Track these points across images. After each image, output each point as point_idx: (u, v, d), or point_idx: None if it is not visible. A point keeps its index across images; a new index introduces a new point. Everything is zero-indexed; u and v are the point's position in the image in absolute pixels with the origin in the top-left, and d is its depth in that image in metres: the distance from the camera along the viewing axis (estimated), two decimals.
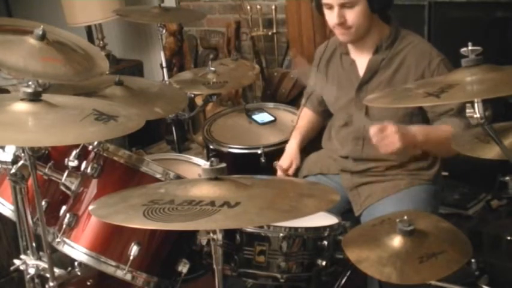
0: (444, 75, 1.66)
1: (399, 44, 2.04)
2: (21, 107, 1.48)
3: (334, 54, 2.19)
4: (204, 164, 1.43)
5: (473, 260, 1.72)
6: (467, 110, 1.42)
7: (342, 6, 1.95)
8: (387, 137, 1.82)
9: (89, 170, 1.76)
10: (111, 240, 1.72)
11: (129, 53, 4.53)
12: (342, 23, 1.97)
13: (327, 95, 2.25)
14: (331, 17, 1.99)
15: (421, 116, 2.03)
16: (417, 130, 1.89)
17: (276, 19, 3.75)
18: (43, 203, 1.83)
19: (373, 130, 1.84)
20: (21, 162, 1.61)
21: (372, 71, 2.06)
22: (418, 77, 1.97)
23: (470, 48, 1.45)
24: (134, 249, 1.69)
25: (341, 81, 2.17)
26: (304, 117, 2.39)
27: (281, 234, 1.72)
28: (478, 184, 2.84)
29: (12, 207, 1.95)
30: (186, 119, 2.98)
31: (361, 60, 2.09)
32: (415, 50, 2.01)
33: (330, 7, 1.98)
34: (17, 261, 1.80)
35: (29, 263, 1.77)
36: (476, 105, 1.40)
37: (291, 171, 2.25)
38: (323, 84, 2.24)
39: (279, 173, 2.25)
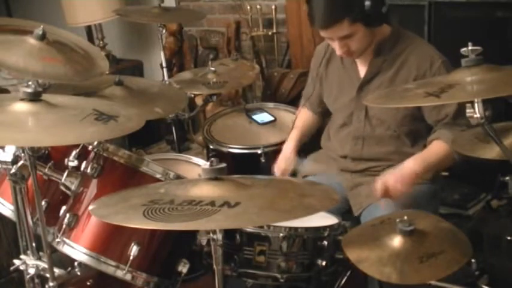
0: (444, 75, 1.66)
1: (401, 45, 2.03)
2: (21, 107, 1.48)
3: (334, 53, 2.18)
4: (204, 164, 1.43)
5: (473, 260, 1.72)
6: (468, 110, 1.42)
7: (342, 38, 1.94)
8: (392, 190, 1.87)
9: (89, 170, 1.76)
10: (111, 240, 1.72)
11: (129, 53, 4.52)
12: (346, 51, 1.98)
13: (327, 94, 2.24)
14: (334, 46, 2.00)
15: (421, 118, 2.03)
16: (414, 162, 1.92)
17: (276, 19, 3.75)
18: (43, 203, 1.83)
19: (378, 193, 1.89)
20: (21, 162, 1.61)
21: (374, 72, 2.06)
22: (419, 78, 1.97)
23: (470, 48, 1.45)
24: (134, 249, 1.69)
25: (341, 81, 2.17)
26: (302, 118, 2.39)
27: (281, 234, 1.72)
28: (478, 184, 2.84)
29: (12, 207, 1.95)
30: (186, 119, 2.98)
31: (362, 60, 2.09)
32: (417, 52, 2.01)
33: (331, 39, 1.98)
34: (17, 261, 1.80)
35: (29, 263, 1.77)
36: (476, 105, 1.40)
37: (286, 173, 2.23)
38: (323, 84, 2.24)
39: (277, 174, 2.24)
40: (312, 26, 1.99)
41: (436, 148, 1.96)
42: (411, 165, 1.92)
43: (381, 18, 1.96)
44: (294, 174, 2.27)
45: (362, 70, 2.09)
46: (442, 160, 1.95)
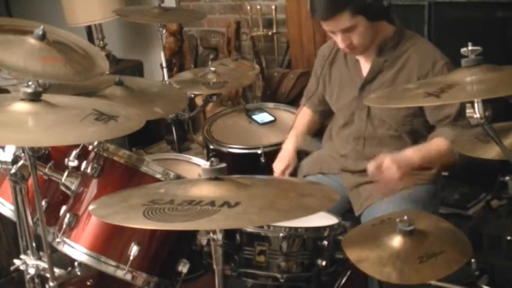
0: (444, 75, 1.66)
1: (403, 45, 2.03)
2: (21, 107, 1.48)
3: (339, 53, 2.18)
4: (204, 164, 1.43)
5: (473, 260, 1.72)
6: (468, 110, 1.41)
7: (344, 31, 1.94)
8: (386, 171, 1.87)
9: (89, 170, 1.76)
10: (111, 240, 1.72)
11: (129, 53, 4.53)
12: (348, 45, 1.98)
13: (329, 93, 2.24)
14: (337, 40, 2.00)
15: (422, 117, 2.03)
16: (411, 153, 1.93)
17: (276, 19, 3.75)
18: (43, 203, 1.83)
19: (371, 168, 1.88)
20: (21, 162, 1.61)
21: (375, 72, 2.06)
22: (421, 78, 1.97)
23: (470, 48, 1.45)
24: (134, 249, 1.69)
25: (344, 80, 2.16)
26: (303, 116, 2.39)
27: (281, 234, 1.71)
28: (478, 184, 2.84)
29: (12, 207, 1.95)
30: (186, 119, 2.98)
31: (365, 59, 2.09)
32: (419, 52, 2.01)
33: (333, 32, 1.98)
34: (17, 261, 1.80)
35: (29, 263, 1.76)
36: (476, 105, 1.40)
37: (287, 173, 2.25)
38: (326, 84, 2.24)
39: (276, 174, 2.25)
40: (313, 17, 1.99)
41: (436, 144, 1.96)
42: (409, 154, 1.93)
43: (382, 12, 1.96)
44: (293, 174, 2.27)
45: (365, 69, 2.09)
46: (440, 156, 1.96)
